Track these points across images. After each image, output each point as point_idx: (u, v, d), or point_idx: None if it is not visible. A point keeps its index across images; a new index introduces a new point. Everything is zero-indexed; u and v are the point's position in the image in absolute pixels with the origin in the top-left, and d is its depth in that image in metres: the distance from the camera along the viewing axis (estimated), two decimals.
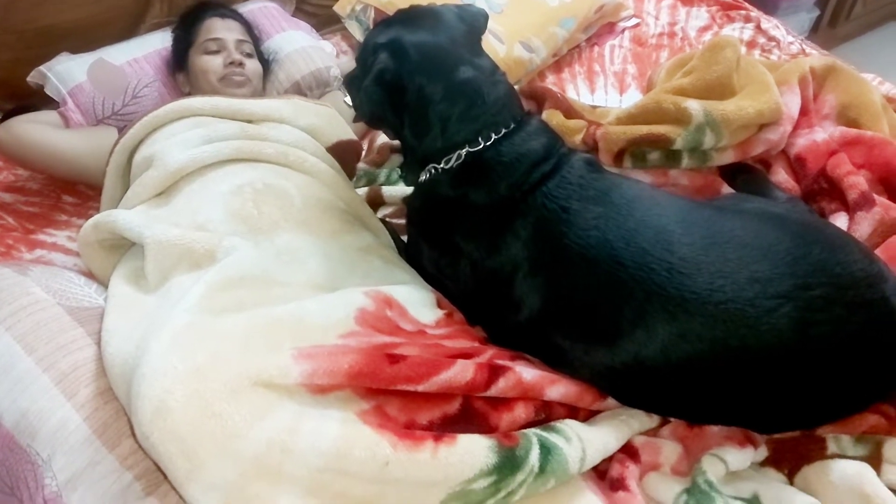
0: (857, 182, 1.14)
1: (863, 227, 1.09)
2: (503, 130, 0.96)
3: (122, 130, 1.21)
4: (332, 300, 0.89)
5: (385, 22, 1.07)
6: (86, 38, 1.49)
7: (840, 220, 1.12)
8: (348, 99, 1.35)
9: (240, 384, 0.71)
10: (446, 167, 0.97)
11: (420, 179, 1.02)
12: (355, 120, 1.13)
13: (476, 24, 1.07)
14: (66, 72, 1.45)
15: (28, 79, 1.46)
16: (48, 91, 1.44)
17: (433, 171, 0.99)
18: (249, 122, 1.20)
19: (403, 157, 1.10)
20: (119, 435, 0.81)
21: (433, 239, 1.04)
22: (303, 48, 1.62)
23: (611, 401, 0.91)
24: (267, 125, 1.20)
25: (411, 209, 1.11)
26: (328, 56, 1.65)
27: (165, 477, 0.73)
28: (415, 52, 0.96)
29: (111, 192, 1.20)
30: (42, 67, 1.46)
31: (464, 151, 0.96)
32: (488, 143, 0.96)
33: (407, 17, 1.04)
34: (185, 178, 1.07)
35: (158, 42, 1.52)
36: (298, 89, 1.58)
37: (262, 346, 0.78)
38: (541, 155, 0.95)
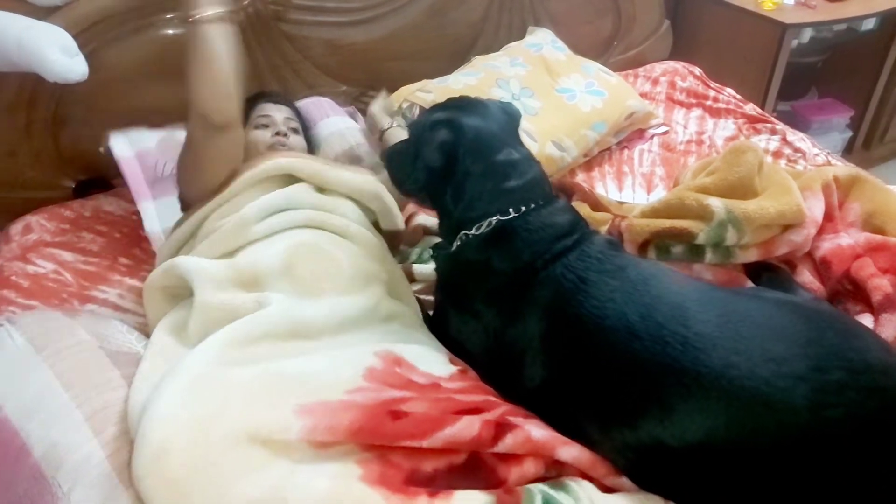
0: (881, 284, 1.14)
1: (888, 329, 1.08)
2: (532, 205, 1.04)
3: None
4: (342, 357, 0.93)
5: (439, 105, 1.21)
6: (164, 118, 1.62)
7: (865, 322, 1.11)
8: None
9: (239, 437, 0.75)
10: (477, 233, 1.05)
11: (453, 247, 1.09)
12: (399, 189, 1.24)
13: (515, 117, 1.22)
14: (139, 137, 1.60)
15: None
16: (113, 144, 1.54)
17: (464, 237, 1.06)
18: (322, 189, 1.26)
19: (440, 223, 1.18)
20: None
21: (457, 303, 1.09)
22: (338, 131, 1.74)
23: (625, 480, 0.89)
24: (335, 197, 1.26)
25: (440, 274, 1.18)
26: (359, 133, 1.77)
27: None
28: (469, 130, 1.09)
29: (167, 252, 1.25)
30: (118, 131, 1.59)
31: (494, 219, 1.04)
32: (517, 214, 1.03)
33: (459, 104, 1.19)
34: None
35: None
36: None
37: (266, 401, 0.81)
38: (565, 229, 1.02)
